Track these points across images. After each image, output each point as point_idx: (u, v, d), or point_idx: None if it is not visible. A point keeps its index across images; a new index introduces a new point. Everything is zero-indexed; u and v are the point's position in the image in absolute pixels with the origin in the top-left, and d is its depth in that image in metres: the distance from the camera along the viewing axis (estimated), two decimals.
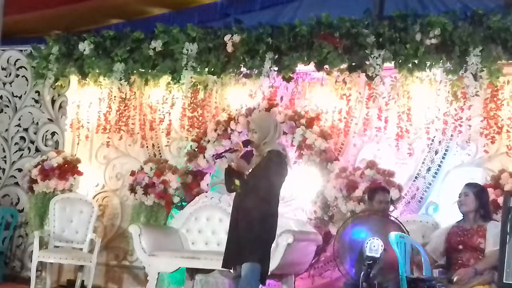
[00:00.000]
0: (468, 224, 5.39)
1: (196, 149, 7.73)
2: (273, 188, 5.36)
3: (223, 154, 5.59)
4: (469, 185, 5.57)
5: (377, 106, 7.12)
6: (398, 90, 7.04)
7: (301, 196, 7.36)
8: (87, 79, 8.35)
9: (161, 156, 8.16)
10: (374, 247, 5.43)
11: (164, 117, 8.02)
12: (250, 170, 5.35)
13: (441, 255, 5.45)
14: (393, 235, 5.25)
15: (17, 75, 9.00)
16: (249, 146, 5.46)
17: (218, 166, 7.56)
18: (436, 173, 7.01)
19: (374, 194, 6.35)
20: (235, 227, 5.38)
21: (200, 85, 7.87)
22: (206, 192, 7.59)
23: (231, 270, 5.52)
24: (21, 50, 8.97)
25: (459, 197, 5.49)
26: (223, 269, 5.62)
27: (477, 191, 5.46)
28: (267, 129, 5.40)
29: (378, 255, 5.38)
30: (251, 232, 5.24)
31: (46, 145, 8.74)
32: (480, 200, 5.41)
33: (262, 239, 5.30)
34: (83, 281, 7.81)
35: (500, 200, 5.99)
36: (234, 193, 5.50)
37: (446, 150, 6.98)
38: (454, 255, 5.32)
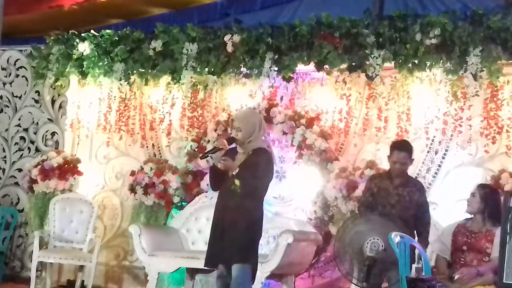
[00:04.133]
0: (476, 227, 5.26)
1: (196, 149, 7.74)
2: (260, 187, 5.25)
3: (208, 153, 5.40)
4: (479, 185, 5.42)
5: (377, 106, 7.13)
6: (398, 90, 7.04)
7: (301, 196, 7.36)
8: (87, 79, 8.35)
9: (161, 156, 8.16)
10: (374, 247, 5.44)
11: (164, 117, 8.02)
12: (237, 169, 5.19)
13: (449, 252, 5.37)
14: (393, 235, 5.24)
15: (17, 75, 8.99)
16: (233, 144, 5.30)
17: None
18: (436, 173, 7.02)
19: (392, 150, 5.86)
20: (220, 226, 5.23)
21: (200, 85, 7.88)
22: (206, 192, 7.60)
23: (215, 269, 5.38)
24: (21, 50, 8.96)
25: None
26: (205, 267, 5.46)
27: (485, 192, 5.27)
28: (253, 127, 5.25)
29: (378, 255, 5.39)
30: (240, 232, 5.13)
31: (46, 145, 8.74)
32: (486, 203, 5.22)
33: (251, 239, 5.21)
34: (83, 281, 7.81)
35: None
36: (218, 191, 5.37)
37: (446, 150, 6.98)
38: (459, 254, 5.28)
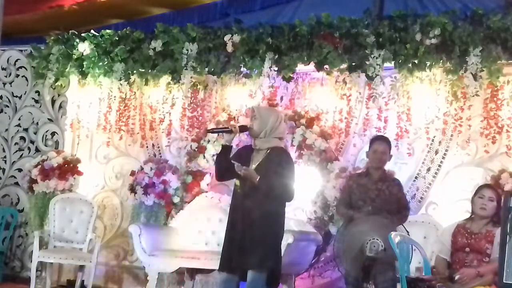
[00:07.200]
0: (476, 227, 5.25)
1: (196, 149, 7.74)
2: (285, 188, 5.04)
3: (216, 131, 5.20)
4: (493, 189, 5.38)
5: (377, 106, 7.12)
6: (398, 90, 7.03)
7: (301, 196, 7.33)
8: (87, 79, 8.36)
9: (161, 156, 8.17)
10: (374, 247, 5.44)
11: (164, 117, 8.02)
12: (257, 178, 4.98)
13: (448, 252, 5.36)
14: (393, 235, 5.24)
15: (17, 75, 9.00)
16: (244, 134, 5.18)
17: None
18: (436, 173, 7.02)
19: (372, 142, 6.12)
20: (239, 229, 5.03)
21: (200, 85, 7.89)
22: (206, 192, 7.60)
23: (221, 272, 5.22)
24: (21, 50, 8.97)
25: (480, 197, 5.29)
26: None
27: (500, 198, 5.21)
28: (268, 118, 5.10)
29: (378, 255, 5.39)
30: (260, 238, 4.95)
31: (46, 145, 8.74)
32: (499, 206, 5.18)
33: (272, 245, 5.04)
34: (83, 281, 7.81)
35: None
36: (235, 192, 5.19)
37: (446, 150, 6.98)
38: (459, 255, 5.27)
